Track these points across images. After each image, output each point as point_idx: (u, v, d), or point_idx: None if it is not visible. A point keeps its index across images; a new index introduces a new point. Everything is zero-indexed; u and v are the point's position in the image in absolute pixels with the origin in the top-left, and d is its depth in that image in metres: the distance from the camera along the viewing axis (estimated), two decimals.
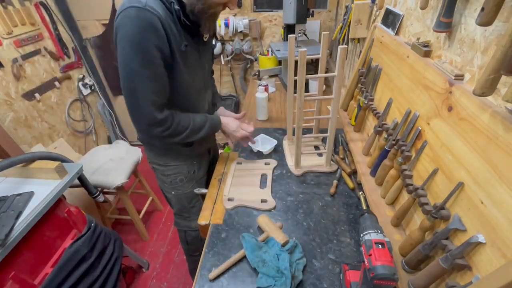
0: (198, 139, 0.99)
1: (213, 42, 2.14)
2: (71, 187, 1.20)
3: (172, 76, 0.84)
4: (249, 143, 1.17)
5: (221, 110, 1.20)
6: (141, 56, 0.74)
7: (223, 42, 2.20)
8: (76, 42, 2.27)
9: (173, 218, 1.27)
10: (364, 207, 0.71)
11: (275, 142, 1.26)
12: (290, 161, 1.18)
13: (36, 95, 1.93)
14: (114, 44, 0.78)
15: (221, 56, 2.28)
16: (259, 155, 1.23)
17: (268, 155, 1.23)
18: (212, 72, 1.17)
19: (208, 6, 0.78)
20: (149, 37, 0.73)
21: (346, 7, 1.48)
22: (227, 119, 1.08)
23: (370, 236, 0.59)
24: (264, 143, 1.28)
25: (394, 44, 0.91)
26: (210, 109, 1.14)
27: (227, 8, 0.83)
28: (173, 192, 1.13)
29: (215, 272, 0.76)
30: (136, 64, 0.75)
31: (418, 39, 0.81)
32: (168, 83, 0.84)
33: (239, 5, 2.14)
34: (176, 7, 0.77)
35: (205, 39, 0.91)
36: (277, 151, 1.25)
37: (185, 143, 1.01)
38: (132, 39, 0.72)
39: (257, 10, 2.16)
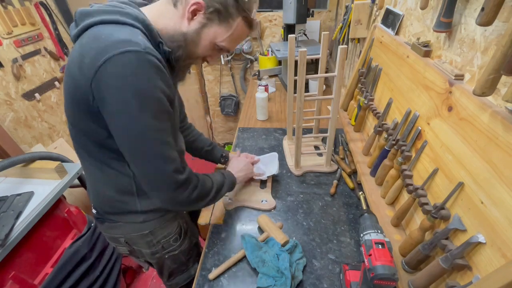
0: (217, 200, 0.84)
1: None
2: (71, 187, 1.20)
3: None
4: (256, 177, 1.08)
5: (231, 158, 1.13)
6: (153, 108, 0.59)
7: None
8: None
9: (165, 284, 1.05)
10: (364, 207, 0.71)
11: (275, 155, 1.13)
12: (290, 161, 1.18)
13: (36, 95, 1.93)
14: (93, 100, 0.57)
15: (221, 56, 2.28)
16: (260, 153, 1.23)
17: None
18: (187, 122, 1.06)
19: (187, 55, 0.68)
20: (157, 84, 0.59)
21: (346, 7, 1.48)
22: (234, 168, 0.98)
23: (370, 236, 0.59)
24: (267, 165, 1.12)
25: (394, 44, 0.91)
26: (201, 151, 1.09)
27: None
28: (166, 256, 0.90)
29: (215, 272, 0.76)
30: (148, 120, 0.58)
31: (418, 39, 0.81)
32: None
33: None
34: (166, 48, 0.64)
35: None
36: (277, 151, 1.25)
37: None
38: (138, 90, 0.56)
39: (257, 10, 2.16)
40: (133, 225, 0.81)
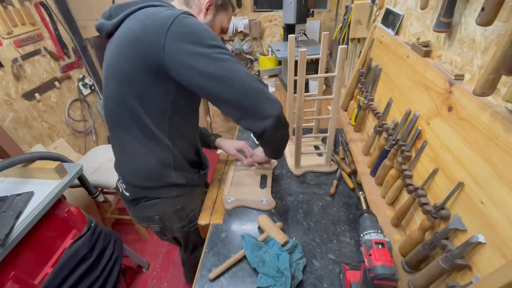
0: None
1: None
2: (71, 187, 1.20)
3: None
4: None
5: (221, 141, 1.16)
6: (222, 46, 0.69)
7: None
8: (76, 42, 2.27)
9: (187, 257, 1.20)
10: (364, 207, 0.71)
11: None
12: (290, 161, 1.18)
13: (36, 95, 1.93)
14: (164, 56, 0.65)
15: None
16: None
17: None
18: None
19: None
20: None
21: (346, 7, 1.48)
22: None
23: (370, 236, 0.59)
24: None
25: (394, 44, 0.91)
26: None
27: None
28: (192, 229, 1.02)
29: (215, 272, 0.76)
30: (225, 55, 0.67)
31: (418, 39, 0.81)
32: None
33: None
34: None
35: None
36: None
37: (199, 169, 0.99)
38: (205, 31, 0.67)
39: (257, 10, 2.16)
40: (169, 200, 0.90)
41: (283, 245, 0.80)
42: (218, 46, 0.66)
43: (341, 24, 1.53)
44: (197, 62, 0.65)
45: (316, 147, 1.25)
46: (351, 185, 1.04)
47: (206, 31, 0.67)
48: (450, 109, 0.62)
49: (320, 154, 1.19)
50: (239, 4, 2.07)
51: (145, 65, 0.68)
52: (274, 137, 0.78)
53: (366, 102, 1.04)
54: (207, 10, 0.82)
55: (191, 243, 1.10)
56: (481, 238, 0.48)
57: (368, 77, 1.11)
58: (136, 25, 0.68)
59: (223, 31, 0.91)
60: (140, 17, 0.69)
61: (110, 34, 0.77)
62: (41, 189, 0.99)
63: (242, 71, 0.67)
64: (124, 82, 0.72)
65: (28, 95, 1.88)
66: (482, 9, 0.46)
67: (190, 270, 1.42)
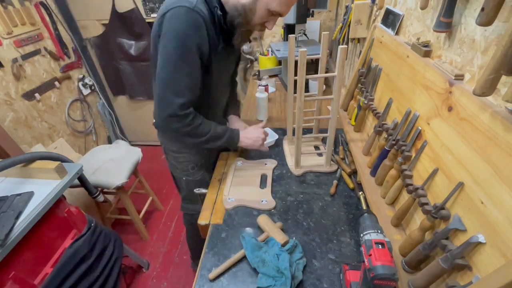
0: (212, 147, 1.05)
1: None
2: (71, 187, 1.20)
3: (203, 73, 0.91)
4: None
5: (232, 118, 1.24)
6: (182, 52, 0.81)
7: None
8: (76, 42, 2.27)
9: (180, 203, 1.31)
10: (364, 207, 0.71)
11: (276, 136, 1.29)
12: (290, 161, 1.18)
13: (36, 95, 1.93)
14: (153, 36, 0.87)
15: None
16: (260, 155, 1.23)
17: (268, 155, 1.23)
18: (235, 75, 1.29)
19: (246, 22, 0.85)
20: (193, 37, 0.81)
21: (346, 7, 1.48)
22: (245, 132, 1.10)
23: (370, 236, 0.59)
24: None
25: (394, 44, 0.91)
26: (224, 108, 1.23)
27: None
28: (184, 178, 1.17)
29: (215, 272, 0.76)
30: (176, 58, 0.82)
31: (418, 39, 0.81)
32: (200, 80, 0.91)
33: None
34: (219, 12, 0.84)
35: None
36: (277, 151, 1.25)
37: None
38: (177, 35, 0.80)
39: None
40: (168, 139, 1.11)
41: (283, 245, 0.80)
42: (175, 47, 0.81)
43: (341, 24, 1.53)
44: (160, 48, 0.84)
45: (316, 147, 1.25)
46: (351, 185, 1.04)
47: (176, 29, 0.79)
48: (450, 109, 0.62)
49: (320, 154, 1.19)
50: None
51: (154, 39, 0.86)
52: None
53: (366, 102, 1.04)
54: None
55: (182, 192, 1.24)
56: (481, 238, 0.48)
57: (368, 77, 1.11)
58: (163, 5, 0.84)
59: (273, 14, 0.84)
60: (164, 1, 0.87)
61: None
62: (41, 189, 0.99)
63: (177, 72, 0.84)
64: (153, 49, 0.91)
65: (28, 95, 1.88)
66: (482, 9, 0.46)
67: (190, 235, 1.46)
